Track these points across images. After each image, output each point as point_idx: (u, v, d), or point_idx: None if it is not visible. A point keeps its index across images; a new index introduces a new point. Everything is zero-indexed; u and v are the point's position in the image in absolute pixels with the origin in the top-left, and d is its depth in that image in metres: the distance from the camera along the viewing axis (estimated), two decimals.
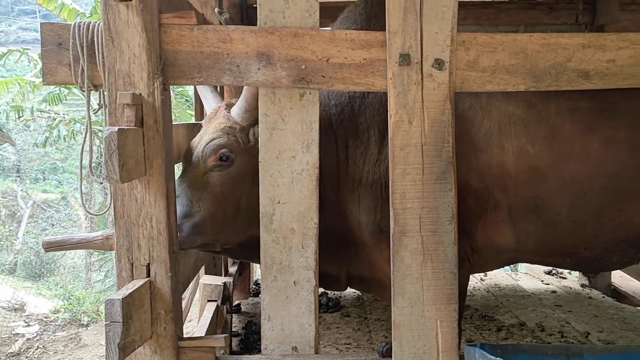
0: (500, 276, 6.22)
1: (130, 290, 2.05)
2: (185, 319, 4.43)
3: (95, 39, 2.19)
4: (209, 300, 4.14)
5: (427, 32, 2.22)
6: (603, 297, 5.43)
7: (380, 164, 2.68)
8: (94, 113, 2.32)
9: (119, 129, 1.91)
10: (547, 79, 2.28)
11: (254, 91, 2.58)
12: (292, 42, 2.25)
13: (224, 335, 2.39)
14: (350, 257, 2.88)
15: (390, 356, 2.37)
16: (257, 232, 2.69)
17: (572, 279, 5.96)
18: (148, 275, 2.26)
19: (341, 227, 2.81)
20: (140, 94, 2.17)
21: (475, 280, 6.00)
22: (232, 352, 4.13)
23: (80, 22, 2.20)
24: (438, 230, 2.29)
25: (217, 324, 4.05)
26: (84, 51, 2.20)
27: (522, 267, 7.27)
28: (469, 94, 2.69)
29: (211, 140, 2.70)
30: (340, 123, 2.78)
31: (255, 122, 2.69)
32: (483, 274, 6.29)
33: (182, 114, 10.04)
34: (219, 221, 2.70)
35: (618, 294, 5.54)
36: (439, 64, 2.22)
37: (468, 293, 5.52)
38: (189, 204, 2.61)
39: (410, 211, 2.28)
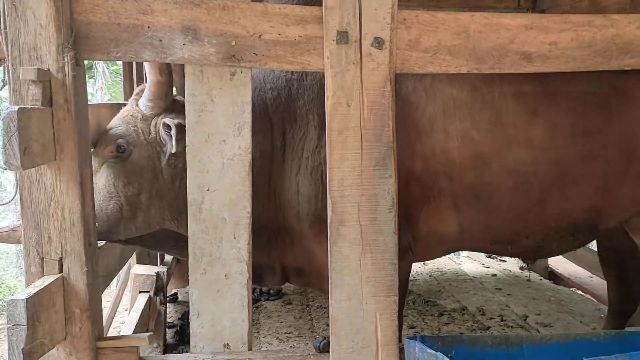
0: (443, 260, 6.26)
1: (37, 289, 1.84)
2: (115, 312, 4.20)
3: None
4: (140, 292, 3.93)
5: (366, 8, 2.07)
6: (541, 279, 5.53)
7: (320, 150, 2.54)
8: None
9: (19, 108, 1.68)
10: (490, 61, 2.18)
11: (156, 79, 2.42)
12: (221, 16, 2.06)
13: (147, 333, 2.21)
14: (284, 247, 2.74)
15: (328, 351, 2.25)
16: (170, 227, 2.52)
17: (512, 262, 6.05)
18: (61, 270, 2.04)
19: (275, 218, 2.66)
20: (49, 70, 1.94)
21: (418, 265, 6.01)
22: (166, 344, 3.96)
23: None
24: (378, 219, 2.18)
25: (150, 316, 3.85)
26: None
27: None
28: (412, 77, 2.58)
29: (110, 129, 2.51)
30: (277, 108, 2.62)
31: (159, 113, 2.52)
32: None
33: (118, 94, 9.61)
34: (114, 216, 2.55)
35: (555, 276, 5.67)
36: (378, 42, 2.09)
37: (411, 278, 5.51)
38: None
39: (349, 199, 2.16)
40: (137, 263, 4.16)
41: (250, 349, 2.31)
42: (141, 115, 2.57)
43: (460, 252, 7.58)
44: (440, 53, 2.16)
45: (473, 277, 5.60)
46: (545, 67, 2.21)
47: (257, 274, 2.84)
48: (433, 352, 1.96)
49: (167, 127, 2.48)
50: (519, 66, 2.20)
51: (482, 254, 6.30)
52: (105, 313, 4.55)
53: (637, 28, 2.20)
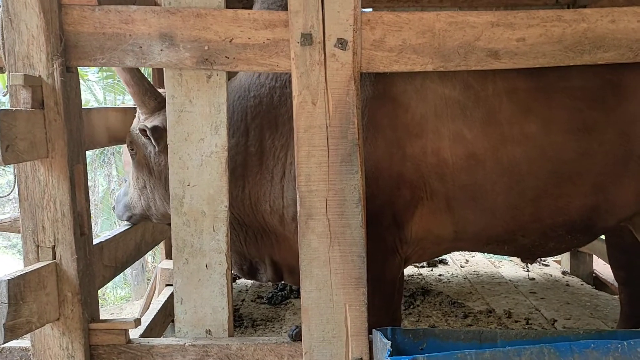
0: (481, 263, 6.17)
1: (24, 272, 2.06)
2: (149, 303, 4.47)
3: None
4: (167, 285, 4.18)
5: (329, 11, 2.17)
6: (582, 284, 5.35)
7: None
8: (3, 96, 2.32)
9: (0, 110, 1.91)
10: (456, 59, 2.21)
11: (131, 90, 2.67)
12: (195, 23, 2.22)
13: (134, 318, 2.39)
14: (272, 245, 2.85)
15: (301, 340, 2.35)
16: None
17: (555, 267, 5.88)
18: (54, 257, 2.26)
19: (255, 220, 2.78)
20: (40, 76, 2.16)
21: (454, 267, 5.96)
22: None
23: None
24: (345, 213, 2.25)
25: None
26: None
27: None
28: (402, 78, 2.61)
29: (128, 133, 2.89)
30: (256, 115, 2.71)
31: (147, 117, 2.77)
32: (464, 260, 6.24)
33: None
34: (137, 203, 2.96)
35: (599, 282, 5.45)
36: (341, 43, 2.17)
37: (445, 280, 5.49)
38: (128, 184, 2.97)
39: (316, 193, 2.25)
40: (167, 258, 4.43)
41: (230, 335, 2.45)
42: (137, 120, 2.84)
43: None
44: (405, 52, 2.22)
45: (509, 280, 5.49)
46: (513, 64, 2.22)
47: (253, 268, 2.98)
48: (385, 340, 2.02)
49: (143, 131, 2.71)
50: (485, 63, 2.21)
51: None
52: (141, 303, 4.84)
53: (610, 22, 2.17)
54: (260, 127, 2.70)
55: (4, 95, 2.35)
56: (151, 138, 2.63)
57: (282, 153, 2.66)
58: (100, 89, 11.35)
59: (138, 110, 2.78)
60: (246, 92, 2.74)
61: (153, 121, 2.69)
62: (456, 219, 2.66)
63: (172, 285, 4.15)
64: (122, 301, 9.39)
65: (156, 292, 4.49)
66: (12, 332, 1.99)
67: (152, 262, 10.08)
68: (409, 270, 5.71)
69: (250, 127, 2.71)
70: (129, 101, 10.15)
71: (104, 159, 11.44)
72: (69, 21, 2.23)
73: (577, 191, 2.61)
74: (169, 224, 3.00)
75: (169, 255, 4.34)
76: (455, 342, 2.32)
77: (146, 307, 4.47)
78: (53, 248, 2.26)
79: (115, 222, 10.19)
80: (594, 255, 5.46)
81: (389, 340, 2.05)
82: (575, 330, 2.33)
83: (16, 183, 2.25)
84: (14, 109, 2.06)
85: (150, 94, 2.73)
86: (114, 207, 3.21)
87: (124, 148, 6.00)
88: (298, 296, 4.99)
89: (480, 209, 2.63)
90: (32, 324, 2.11)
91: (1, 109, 1.92)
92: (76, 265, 2.28)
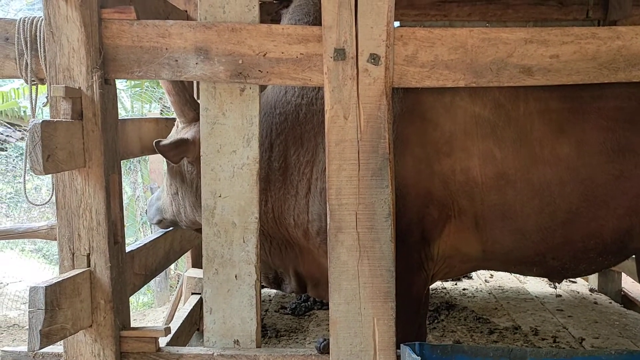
0: (506, 278, 6.09)
1: (60, 279, 2.11)
2: (175, 310, 4.51)
3: (38, 33, 2.26)
4: (193, 293, 4.22)
5: (362, 27, 2.19)
6: (610, 302, 5.25)
7: None
8: (43, 107, 2.38)
9: (43, 120, 1.96)
10: (488, 75, 2.22)
11: (170, 99, 2.73)
12: (230, 37, 2.26)
13: (165, 326, 2.43)
14: (295, 257, 2.87)
15: (328, 353, 2.36)
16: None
17: (582, 284, 5.78)
18: (89, 265, 2.31)
19: (279, 232, 2.80)
20: (79, 88, 2.22)
21: (479, 282, 5.90)
22: None
23: (25, 18, 2.28)
24: (375, 227, 2.26)
25: (201, 316, 4.10)
26: (28, 46, 2.27)
27: None
28: (431, 94, 2.58)
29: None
30: (281, 132, 2.73)
31: (184, 126, 2.82)
32: (489, 275, 6.18)
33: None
34: (168, 207, 3.04)
35: (627, 300, 5.35)
36: (374, 58, 2.19)
37: (469, 294, 5.44)
38: (162, 189, 3.06)
39: (346, 207, 2.26)
40: (193, 267, 4.47)
41: (258, 346, 2.47)
42: (175, 128, 2.90)
43: None
44: (437, 68, 2.23)
45: (535, 296, 5.41)
46: (547, 80, 2.21)
47: (278, 278, 3.00)
48: (415, 356, 2.02)
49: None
50: (518, 80, 2.21)
51: None
52: (164, 310, 4.88)
53: None
54: (284, 144, 2.71)
55: (44, 106, 2.42)
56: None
57: (307, 169, 2.67)
58: (128, 97, 11.56)
59: (177, 119, 2.83)
60: (272, 109, 2.76)
61: (187, 133, 2.74)
62: (484, 238, 2.63)
63: (198, 293, 4.21)
64: (145, 307, 9.48)
65: (182, 300, 4.53)
66: (48, 338, 2.03)
67: (175, 270, 10.18)
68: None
69: (274, 143, 2.73)
70: (155, 109, 10.28)
71: (129, 167, 11.61)
72: (108, 35, 2.29)
73: (611, 214, 2.55)
74: (197, 230, 3.10)
75: (195, 264, 4.38)
76: (484, 359, 2.31)
77: (171, 315, 4.51)
78: (88, 256, 2.31)
79: (140, 230, 10.29)
80: (622, 273, 5.36)
81: (417, 355, 2.05)
82: (606, 350, 2.30)
83: (54, 191, 2.30)
84: (55, 119, 2.12)
85: (190, 105, 2.77)
86: (147, 210, 3.28)
87: (150, 156, 6.04)
88: (322, 307, 4.98)
89: (509, 229, 2.59)
90: (67, 330, 2.15)
91: (43, 120, 1.97)
92: (109, 273, 2.32)
